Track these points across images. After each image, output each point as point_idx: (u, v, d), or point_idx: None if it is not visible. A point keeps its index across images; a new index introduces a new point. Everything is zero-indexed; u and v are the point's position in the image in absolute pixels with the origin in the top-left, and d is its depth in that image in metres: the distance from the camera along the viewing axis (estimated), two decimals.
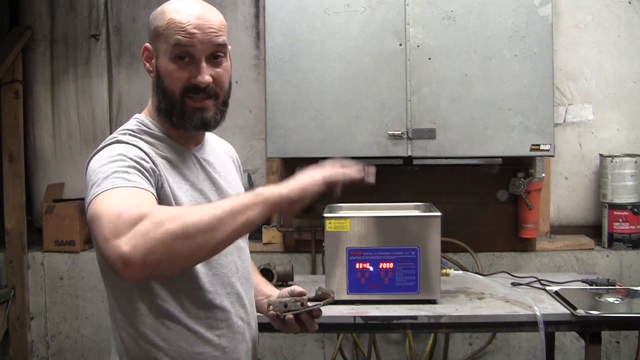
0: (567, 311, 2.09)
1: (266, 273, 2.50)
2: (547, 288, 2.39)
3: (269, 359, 3.31)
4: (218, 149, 1.60)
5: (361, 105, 2.84)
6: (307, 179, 1.28)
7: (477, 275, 2.61)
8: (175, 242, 1.08)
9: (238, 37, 3.38)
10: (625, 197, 3.15)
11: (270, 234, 3.31)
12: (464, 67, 2.81)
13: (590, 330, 2.07)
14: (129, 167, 1.24)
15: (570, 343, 3.19)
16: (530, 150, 2.82)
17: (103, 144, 1.34)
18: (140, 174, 1.24)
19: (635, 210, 3.15)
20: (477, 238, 3.21)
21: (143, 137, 1.38)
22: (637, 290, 2.35)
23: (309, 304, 1.48)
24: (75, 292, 3.41)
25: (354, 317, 2.12)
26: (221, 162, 1.56)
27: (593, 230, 3.32)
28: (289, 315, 1.47)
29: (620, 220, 3.16)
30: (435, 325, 2.17)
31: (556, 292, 2.32)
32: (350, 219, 2.23)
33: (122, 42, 3.53)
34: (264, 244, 3.31)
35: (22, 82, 3.50)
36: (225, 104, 1.44)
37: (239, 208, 1.16)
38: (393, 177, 3.24)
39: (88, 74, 3.55)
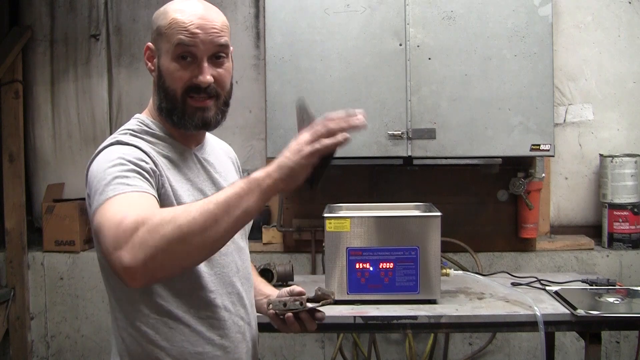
0: (567, 311, 2.09)
1: (266, 273, 2.50)
2: (547, 288, 2.39)
3: (269, 359, 3.31)
4: (218, 150, 1.60)
5: (361, 105, 2.83)
6: (296, 156, 1.14)
7: (477, 275, 2.61)
8: (173, 246, 1.08)
9: (238, 37, 3.38)
10: (625, 197, 3.15)
11: (270, 234, 3.31)
12: (464, 67, 2.81)
13: (590, 330, 2.07)
14: (129, 170, 1.24)
15: (570, 343, 3.19)
16: (530, 150, 2.82)
17: (104, 144, 1.34)
18: (140, 177, 1.24)
19: (635, 210, 3.15)
20: (477, 238, 3.21)
21: (144, 136, 1.39)
22: (637, 290, 2.35)
23: (308, 304, 1.47)
24: (75, 292, 3.41)
25: (354, 317, 2.12)
26: (221, 163, 1.56)
27: (593, 230, 3.32)
28: (289, 314, 1.47)
29: (620, 220, 3.16)
30: (435, 325, 2.17)
31: (556, 292, 2.32)
32: (350, 219, 2.23)
33: (122, 42, 3.53)
34: (264, 244, 3.31)
35: (22, 82, 3.50)
36: (226, 104, 1.44)
37: (234, 200, 1.12)
38: (393, 177, 3.24)
39: (88, 74, 3.55)
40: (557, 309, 2.14)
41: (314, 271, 3.24)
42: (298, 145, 1.15)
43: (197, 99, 1.38)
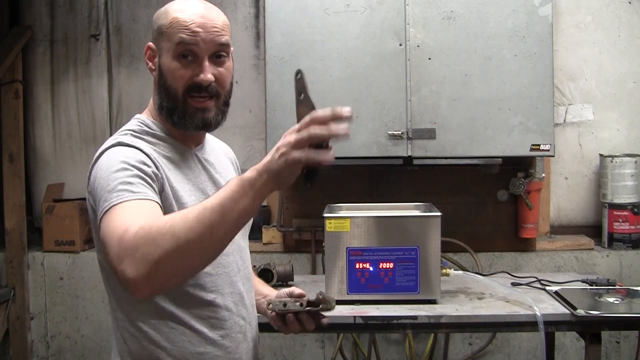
0: (567, 311, 2.10)
1: (266, 273, 2.50)
2: (547, 288, 2.39)
3: (269, 359, 3.31)
4: (218, 150, 1.60)
5: (361, 105, 2.84)
6: (281, 160, 1.11)
7: (477, 275, 2.62)
8: (173, 257, 1.08)
9: (238, 37, 3.38)
10: (625, 197, 3.15)
11: (270, 234, 3.31)
12: (464, 67, 2.81)
13: (590, 330, 2.07)
14: (133, 176, 1.24)
15: (570, 343, 3.19)
16: (530, 150, 2.82)
17: (105, 146, 1.34)
18: (143, 182, 1.25)
19: (635, 210, 3.15)
20: (477, 238, 3.21)
21: (145, 137, 1.39)
22: (637, 290, 2.35)
23: (307, 308, 1.47)
24: (75, 292, 3.41)
25: (354, 317, 2.12)
26: (221, 163, 1.56)
27: (593, 230, 3.32)
28: (289, 314, 1.47)
29: (620, 220, 3.16)
30: (435, 325, 2.17)
31: (556, 292, 2.32)
32: (350, 219, 2.23)
33: (122, 42, 3.53)
34: (264, 244, 3.31)
35: (22, 82, 3.50)
36: (226, 104, 1.44)
37: (229, 204, 1.10)
38: (393, 177, 3.24)
39: (88, 74, 3.55)
40: (557, 309, 2.14)
41: (314, 271, 3.24)
42: (285, 147, 1.12)
43: (198, 100, 1.38)
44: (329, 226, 2.23)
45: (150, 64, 1.43)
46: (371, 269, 2.23)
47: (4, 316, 3.40)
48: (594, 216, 3.35)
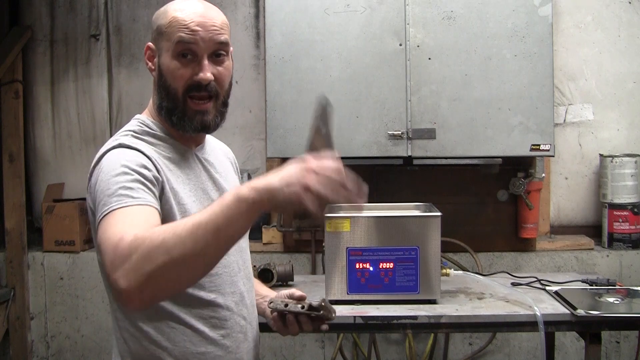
0: (567, 311, 2.09)
1: (266, 273, 2.50)
2: (547, 288, 2.39)
3: (269, 359, 3.31)
4: (217, 150, 1.60)
5: (361, 105, 2.84)
6: (286, 190, 1.07)
7: (477, 275, 2.61)
8: (165, 272, 1.07)
9: (238, 37, 3.38)
10: (625, 197, 3.15)
11: (270, 234, 3.31)
12: (464, 67, 2.81)
13: (590, 330, 2.07)
14: (133, 180, 1.24)
15: (570, 343, 3.19)
16: (530, 150, 2.82)
17: (106, 147, 1.34)
18: (143, 187, 1.25)
19: (635, 210, 3.15)
20: (477, 238, 3.21)
21: (145, 137, 1.39)
22: (637, 290, 2.35)
23: (308, 311, 1.47)
24: (75, 292, 3.41)
25: (354, 317, 2.11)
26: (221, 163, 1.57)
27: (593, 230, 3.32)
28: (290, 315, 1.47)
29: (620, 220, 3.16)
30: (435, 325, 2.17)
31: (556, 292, 2.32)
32: (350, 219, 2.23)
33: (122, 42, 3.53)
34: (264, 244, 3.31)
35: (22, 82, 3.50)
36: (225, 104, 1.44)
37: (224, 222, 1.07)
38: (393, 177, 3.24)
39: (88, 74, 3.55)
40: (557, 309, 2.14)
41: (314, 271, 3.24)
42: (298, 187, 1.07)
43: (197, 102, 1.38)
44: (329, 226, 2.23)
45: (149, 64, 1.43)
46: (371, 269, 2.22)
47: (4, 316, 3.40)
48: (594, 216, 3.35)
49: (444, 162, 2.90)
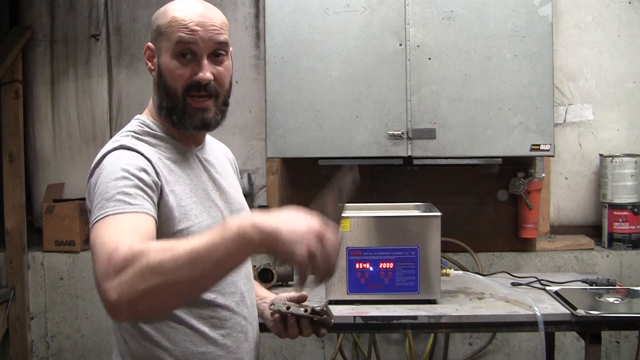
0: (567, 311, 2.10)
1: (266, 273, 2.51)
2: (547, 288, 2.39)
3: (269, 359, 3.31)
4: (217, 151, 1.61)
5: (361, 105, 2.84)
6: (292, 246, 1.05)
7: (477, 275, 2.62)
8: (157, 294, 1.06)
9: (238, 37, 3.38)
10: (625, 197, 3.15)
11: None
12: (464, 67, 2.81)
13: (590, 330, 2.07)
14: (132, 186, 1.24)
15: (570, 343, 3.19)
16: (530, 150, 2.82)
17: (107, 149, 1.34)
18: (142, 193, 1.25)
19: (635, 210, 3.15)
20: (477, 238, 3.21)
21: (145, 138, 1.39)
22: (637, 290, 2.35)
23: (310, 315, 1.47)
24: (75, 292, 3.41)
25: (354, 317, 2.12)
26: (221, 164, 1.57)
27: (593, 230, 3.32)
28: (291, 318, 1.47)
29: (620, 220, 3.16)
30: (435, 325, 2.17)
31: (556, 292, 2.32)
32: (350, 219, 2.23)
33: (122, 42, 3.53)
34: None
35: (22, 82, 3.50)
36: (226, 103, 1.45)
37: (223, 256, 1.05)
38: (393, 177, 3.24)
39: (88, 74, 3.55)
40: (557, 309, 2.14)
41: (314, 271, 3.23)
42: (300, 237, 1.05)
43: (197, 100, 1.38)
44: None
45: (149, 64, 1.43)
46: (371, 269, 2.23)
47: (4, 316, 3.40)
48: (594, 216, 3.35)
49: (444, 162, 2.90)
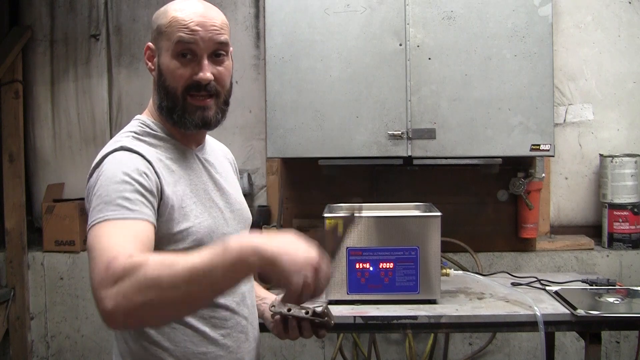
0: (567, 311, 2.09)
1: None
2: (547, 288, 2.39)
3: (269, 359, 3.31)
4: (217, 151, 1.61)
5: (361, 105, 2.84)
6: (291, 275, 1.07)
7: (477, 275, 2.62)
8: (153, 309, 1.07)
9: (238, 37, 3.38)
10: (625, 197, 3.15)
11: None
12: (464, 67, 2.81)
13: (590, 330, 2.07)
14: (132, 191, 1.24)
15: (570, 343, 3.19)
16: (530, 150, 2.82)
17: (108, 149, 1.33)
18: (142, 199, 1.25)
19: (635, 210, 3.15)
20: (477, 238, 3.21)
21: (146, 138, 1.39)
22: (637, 290, 2.35)
23: (312, 317, 1.46)
24: (75, 292, 3.41)
25: (354, 317, 2.12)
26: (220, 163, 1.57)
27: (593, 230, 3.32)
28: (293, 320, 1.47)
29: (620, 220, 3.16)
30: (435, 325, 2.17)
31: (556, 292, 2.32)
32: None
33: (122, 42, 3.53)
34: None
35: (22, 82, 3.50)
36: (226, 103, 1.45)
37: (221, 277, 1.07)
38: (393, 177, 3.24)
39: (88, 74, 3.55)
40: (557, 309, 2.14)
41: None
42: (299, 267, 1.07)
43: (198, 98, 1.38)
44: (329, 226, 2.23)
45: (149, 63, 1.43)
46: (371, 269, 2.23)
47: (4, 316, 3.40)
48: (594, 216, 3.35)
49: (444, 162, 2.90)
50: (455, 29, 2.81)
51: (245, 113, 3.43)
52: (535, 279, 2.51)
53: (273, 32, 2.86)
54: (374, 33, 2.83)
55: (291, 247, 1.08)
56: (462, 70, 2.81)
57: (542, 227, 3.29)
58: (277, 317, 1.49)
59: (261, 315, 1.60)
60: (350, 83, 2.83)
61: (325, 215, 2.26)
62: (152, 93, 1.45)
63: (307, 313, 1.45)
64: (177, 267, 1.06)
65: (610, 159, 3.17)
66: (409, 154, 2.83)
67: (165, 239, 1.31)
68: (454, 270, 2.55)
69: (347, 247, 2.23)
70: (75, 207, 3.38)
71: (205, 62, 1.37)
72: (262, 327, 1.62)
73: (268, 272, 1.08)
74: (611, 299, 2.22)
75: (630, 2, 3.29)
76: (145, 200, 1.25)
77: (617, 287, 2.41)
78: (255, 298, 1.57)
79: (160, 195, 1.31)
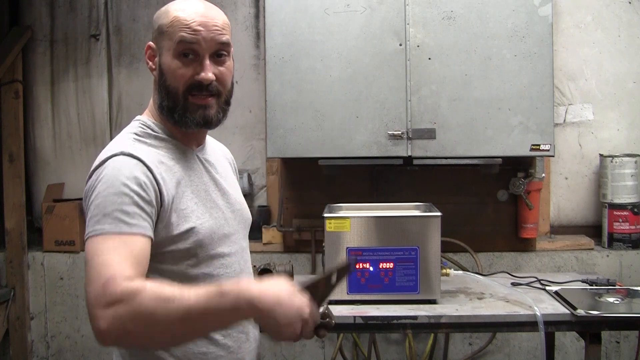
0: (567, 311, 2.10)
1: (266, 273, 2.50)
2: (547, 288, 2.39)
3: (268, 359, 3.31)
4: (217, 151, 1.60)
5: (361, 105, 2.84)
6: (283, 329, 1.14)
7: (477, 275, 2.62)
8: (146, 339, 1.15)
9: (238, 37, 3.38)
10: (625, 197, 3.15)
11: (270, 234, 3.31)
12: (464, 67, 2.81)
13: (590, 330, 2.08)
14: (131, 204, 1.24)
15: (570, 343, 3.19)
16: (530, 150, 2.82)
17: (108, 154, 1.32)
18: (140, 211, 1.25)
19: (635, 210, 3.15)
20: (477, 238, 3.21)
21: (147, 140, 1.38)
22: (637, 290, 2.35)
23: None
24: (75, 292, 3.41)
25: (354, 317, 2.12)
26: (220, 164, 1.57)
27: (593, 230, 3.32)
28: None
29: (620, 220, 3.16)
30: (435, 325, 2.17)
31: (556, 292, 2.32)
32: (350, 219, 2.23)
33: (122, 42, 3.53)
34: (264, 244, 3.31)
35: (22, 82, 3.50)
36: (228, 103, 1.45)
37: (214, 322, 1.15)
38: (393, 177, 3.24)
39: (88, 74, 3.55)
40: (557, 309, 2.14)
41: (314, 271, 3.24)
42: (290, 321, 1.14)
43: (199, 97, 1.38)
44: (329, 226, 2.24)
45: (150, 63, 1.43)
46: (371, 269, 2.23)
47: (4, 316, 3.40)
48: (594, 216, 3.35)
49: (444, 162, 2.90)
50: (455, 29, 2.81)
51: (245, 113, 3.43)
52: (535, 279, 2.51)
53: (273, 32, 2.86)
54: (374, 33, 2.83)
55: (284, 299, 1.14)
56: (462, 70, 2.81)
57: (542, 227, 3.29)
58: None
59: None
60: (350, 83, 2.83)
61: (325, 215, 2.26)
62: (152, 93, 1.45)
63: None
64: (172, 304, 1.11)
65: (610, 159, 3.17)
66: (409, 154, 2.83)
67: (166, 241, 1.31)
68: (454, 270, 2.55)
69: (347, 247, 2.23)
70: (75, 207, 3.38)
71: (207, 62, 1.37)
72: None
73: (261, 322, 1.16)
74: (611, 299, 2.22)
75: (630, 2, 3.29)
76: (142, 213, 1.25)
77: (617, 287, 2.41)
78: None
79: (160, 202, 1.31)
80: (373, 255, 2.23)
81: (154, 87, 1.43)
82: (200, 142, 1.50)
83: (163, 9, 1.41)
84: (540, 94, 2.80)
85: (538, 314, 2.07)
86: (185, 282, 1.34)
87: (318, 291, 1.22)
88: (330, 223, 2.24)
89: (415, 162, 2.89)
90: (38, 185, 3.63)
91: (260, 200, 3.46)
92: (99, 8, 3.53)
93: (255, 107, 3.42)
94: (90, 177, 1.31)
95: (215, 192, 1.46)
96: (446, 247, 2.87)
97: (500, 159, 2.89)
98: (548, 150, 2.81)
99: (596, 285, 2.42)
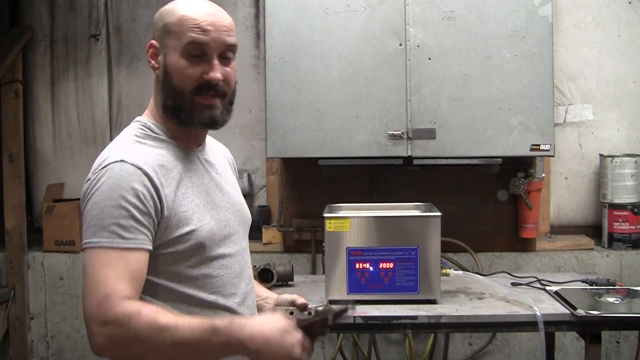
0: (567, 311, 2.10)
1: (266, 273, 2.51)
2: (547, 288, 2.39)
3: None
4: (217, 151, 1.60)
5: (361, 105, 2.84)
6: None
7: (477, 275, 2.62)
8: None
9: (238, 37, 3.31)
10: (625, 197, 3.15)
11: (270, 234, 3.31)
12: (464, 67, 2.81)
13: (590, 330, 2.08)
14: (127, 217, 1.25)
15: (570, 343, 3.19)
16: (530, 150, 2.82)
17: (109, 159, 1.31)
18: (137, 225, 1.26)
19: (635, 210, 3.15)
20: (477, 238, 3.21)
21: (147, 141, 1.38)
22: (637, 290, 2.35)
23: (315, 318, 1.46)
24: (75, 292, 3.41)
25: (354, 317, 2.12)
26: (220, 164, 1.56)
27: (593, 230, 3.32)
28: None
29: (620, 220, 3.16)
30: (435, 325, 2.17)
31: (556, 292, 2.32)
32: (350, 219, 2.23)
33: (122, 42, 3.53)
34: (264, 244, 3.31)
35: (22, 82, 3.50)
36: (231, 103, 1.45)
37: (206, 354, 1.21)
38: (393, 177, 3.24)
39: (88, 74, 3.55)
40: (557, 309, 2.14)
41: (314, 271, 3.24)
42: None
43: (206, 97, 1.38)
44: (329, 226, 2.24)
45: (152, 62, 1.41)
46: (371, 269, 2.23)
47: (4, 316, 3.40)
48: (594, 216, 3.35)
49: (444, 162, 2.90)
50: (455, 29, 2.81)
51: (245, 113, 3.43)
52: (535, 279, 2.51)
53: (273, 32, 2.86)
54: (374, 33, 2.83)
55: (274, 340, 1.21)
56: (462, 70, 2.81)
57: (542, 227, 3.29)
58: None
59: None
60: (350, 83, 2.83)
61: (325, 215, 2.26)
62: (153, 93, 1.44)
63: (309, 314, 1.46)
64: (166, 334, 1.18)
65: (610, 159, 3.17)
66: (409, 154, 2.83)
67: (166, 243, 1.31)
68: (454, 270, 2.55)
69: (347, 247, 2.23)
70: (75, 207, 3.38)
71: (216, 62, 1.37)
72: None
73: (251, 358, 1.23)
74: (611, 299, 2.22)
75: (630, 2, 3.29)
76: (140, 226, 1.26)
77: (617, 287, 2.41)
78: (255, 298, 1.56)
79: (160, 209, 1.30)
80: (373, 255, 2.23)
81: (155, 87, 1.43)
82: (201, 143, 1.50)
83: (167, 7, 1.40)
84: (540, 94, 2.80)
85: (538, 314, 2.07)
86: (185, 283, 1.34)
87: (314, 330, 1.27)
88: (330, 223, 2.24)
89: (415, 162, 2.89)
90: (38, 185, 3.62)
91: (260, 200, 3.46)
92: (99, 8, 3.53)
93: (255, 107, 3.42)
94: (89, 179, 1.31)
95: (216, 192, 1.46)
96: (446, 247, 2.87)
97: (500, 159, 2.89)
98: (548, 150, 2.81)
99: (596, 285, 2.42)
